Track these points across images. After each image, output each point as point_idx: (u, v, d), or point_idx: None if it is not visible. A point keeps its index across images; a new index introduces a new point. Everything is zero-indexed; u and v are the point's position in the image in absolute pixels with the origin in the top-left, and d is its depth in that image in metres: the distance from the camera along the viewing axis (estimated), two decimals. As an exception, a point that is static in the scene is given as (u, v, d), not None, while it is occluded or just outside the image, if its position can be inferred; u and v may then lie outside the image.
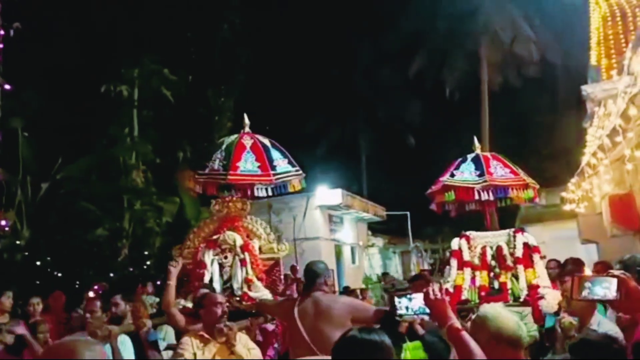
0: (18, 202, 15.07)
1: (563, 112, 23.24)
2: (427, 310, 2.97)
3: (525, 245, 5.59)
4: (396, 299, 3.10)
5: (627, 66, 8.41)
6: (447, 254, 5.91)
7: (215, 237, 6.26)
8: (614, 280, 2.51)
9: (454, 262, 5.68)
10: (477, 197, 5.88)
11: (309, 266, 5.25)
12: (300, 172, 6.53)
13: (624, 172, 8.29)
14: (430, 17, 29.66)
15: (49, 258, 13.74)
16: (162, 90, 18.44)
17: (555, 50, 27.87)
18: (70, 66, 16.42)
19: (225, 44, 22.32)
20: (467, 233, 5.84)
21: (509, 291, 5.42)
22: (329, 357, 2.75)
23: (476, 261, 5.63)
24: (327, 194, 22.14)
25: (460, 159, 6.19)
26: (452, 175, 6.05)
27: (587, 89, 11.75)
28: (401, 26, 30.40)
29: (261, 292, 5.96)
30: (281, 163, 6.39)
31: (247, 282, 6.01)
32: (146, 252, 16.03)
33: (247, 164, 6.23)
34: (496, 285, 5.52)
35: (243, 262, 6.09)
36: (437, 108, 31.20)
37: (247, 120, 6.71)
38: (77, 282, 12.74)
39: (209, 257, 6.15)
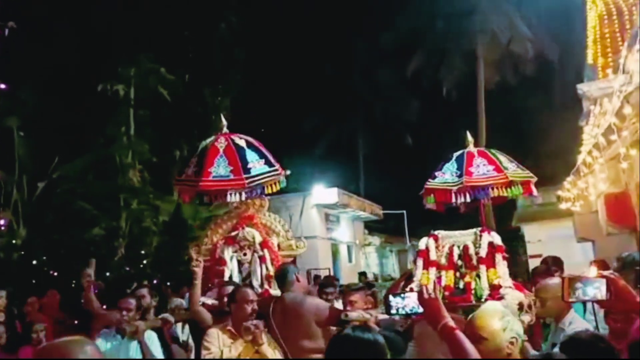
0: (14, 202, 15.09)
1: (560, 110, 23.26)
2: (420, 310, 2.97)
3: (490, 244, 5.48)
4: (391, 298, 3.11)
5: (622, 65, 8.41)
6: (415, 253, 5.86)
7: (234, 233, 6.23)
8: (604, 281, 2.54)
9: (419, 262, 5.58)
10: (453, 199, 5.78)
11: (277, 269, 5.45)
12: (279, 171, 6.24)
13: (619, 170, 8.29)
14: (428, 17, 29.71)
15: (45, 257, 13.74)
16: (159, 89, 18.43)
17: (553, 49, 27.94)
18: (66, 65, 16.42)
19: (223, 43, 22.34)
20: (436, 232, 5.72)
21: (472, 291, 5.37)
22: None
23: (443, 261, 5.56)
24: (323, 192, 22.15)
25: (445, 160, 6.09)
26: (434, 177, 5.96)
27: (583, 88, 11.74)
28: (399, 25, 30.47)
29: (282, 289, 5.95)
30: (257, 165, 6.15)
31: (268, 278, 6.00)
32: (143, 251, 16.02)
33: (220, 168, 6.04)
34: (461, 285, 5.47)
35: (262, 259, 6.08)
36: (435, 107, 31.24)
37: (224, 121, 6.58)
38: (74, 282, 12.72)
39: (228, 253, 6.12)
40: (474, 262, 5.46)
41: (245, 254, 6.15)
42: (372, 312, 5.03)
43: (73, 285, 11.68)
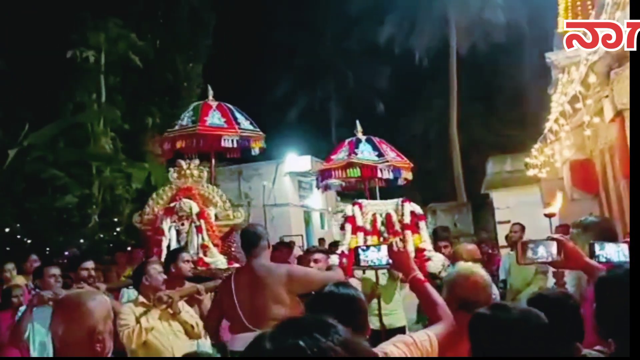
0: (-15, 170, 14.93)
1: (531, 78, 23.48)
2: (390, 262, 3.18)
3: (413, 213, 6.01)
4: (360, 251, 3.26)
5: (589, 33, 8.54)
6: (343, 219, 6.33)
7: (172, 204, 6.44)
8: (554, 243, 2.72)
9: (348, 227, 6.04)
10: (380, 175, 6.41)
11: (246, 230, 4.77)
12: (261, 133, 7.23)
13: (584, 138, 8.51)
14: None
15: (18, 225, 13.69)
16: (130, 55, 18.23)
17: (525, 16, 27.98)
18: (36, 31, 16.15)
19: (193, 9, 22.06)
20: (360, 201, 6.26)
21: None
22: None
23: (368, 227, 6.01)
24: (296, 160, 22.25)
25: (354, 139, 6.74)
26: (355, 153, 6.50)
27: (551, 56, 11.86)
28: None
29: (216, 258, 6.12)
30: (244, 122, 7.08)
31: (203, 248, 6.19)
32: (116, 219, 16.03)
33: (214, 119, 6.94)
34: None
35: (199, 229, 6.29)
36: (406, 74, 31.22)
37: (210, 90, 7.37)
38: (47, 249, 12.74)
39: (166, 224, 6.32)
40: (397, 228, 5.96)
41: (183, 224, 6.38)
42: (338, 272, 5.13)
43: (47, 252, 11.70)
